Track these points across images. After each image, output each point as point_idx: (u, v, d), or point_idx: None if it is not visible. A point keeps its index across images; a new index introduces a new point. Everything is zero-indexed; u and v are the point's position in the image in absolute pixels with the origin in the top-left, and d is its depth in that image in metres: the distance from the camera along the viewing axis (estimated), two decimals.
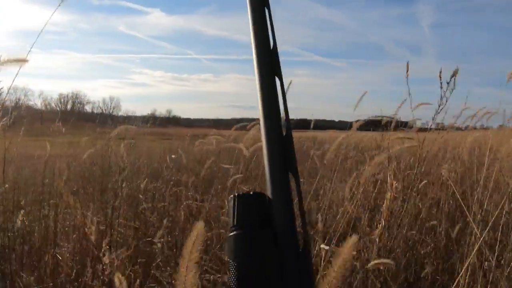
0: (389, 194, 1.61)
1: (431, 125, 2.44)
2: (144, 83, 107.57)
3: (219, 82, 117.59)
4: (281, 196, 0.36)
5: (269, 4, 0.41)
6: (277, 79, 0.39)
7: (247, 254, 0.35)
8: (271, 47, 0.40)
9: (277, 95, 0.39)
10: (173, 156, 3.67)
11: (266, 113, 0.38)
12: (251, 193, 0.37)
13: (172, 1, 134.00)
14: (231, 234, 0.36)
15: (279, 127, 0.38)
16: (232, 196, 0.37)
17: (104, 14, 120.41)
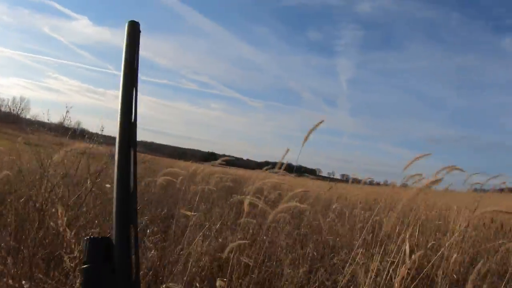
0: None
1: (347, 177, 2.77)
2: (58, 90, 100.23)
3: None
4: (121, 241, 0.49)
5: (137, 85, 0.53)
6: (132, 150, 0.51)
7: (92, 282, 0.48)
8: (132, 121, 0.52)
9: (130, 164, 0.50)
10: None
11: (119, 177, 0.50)
12: (99, 237, 0.50)
13: (102, 12, 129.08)
14: (83, 267, 0.49)
15: (127, 189, 0.50)
16: (85, 238, 0.49)
17: (30, 11, 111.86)
